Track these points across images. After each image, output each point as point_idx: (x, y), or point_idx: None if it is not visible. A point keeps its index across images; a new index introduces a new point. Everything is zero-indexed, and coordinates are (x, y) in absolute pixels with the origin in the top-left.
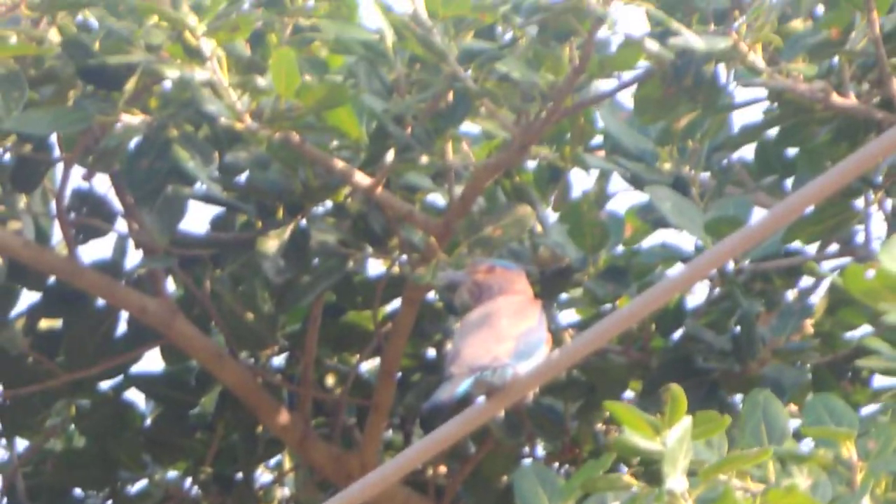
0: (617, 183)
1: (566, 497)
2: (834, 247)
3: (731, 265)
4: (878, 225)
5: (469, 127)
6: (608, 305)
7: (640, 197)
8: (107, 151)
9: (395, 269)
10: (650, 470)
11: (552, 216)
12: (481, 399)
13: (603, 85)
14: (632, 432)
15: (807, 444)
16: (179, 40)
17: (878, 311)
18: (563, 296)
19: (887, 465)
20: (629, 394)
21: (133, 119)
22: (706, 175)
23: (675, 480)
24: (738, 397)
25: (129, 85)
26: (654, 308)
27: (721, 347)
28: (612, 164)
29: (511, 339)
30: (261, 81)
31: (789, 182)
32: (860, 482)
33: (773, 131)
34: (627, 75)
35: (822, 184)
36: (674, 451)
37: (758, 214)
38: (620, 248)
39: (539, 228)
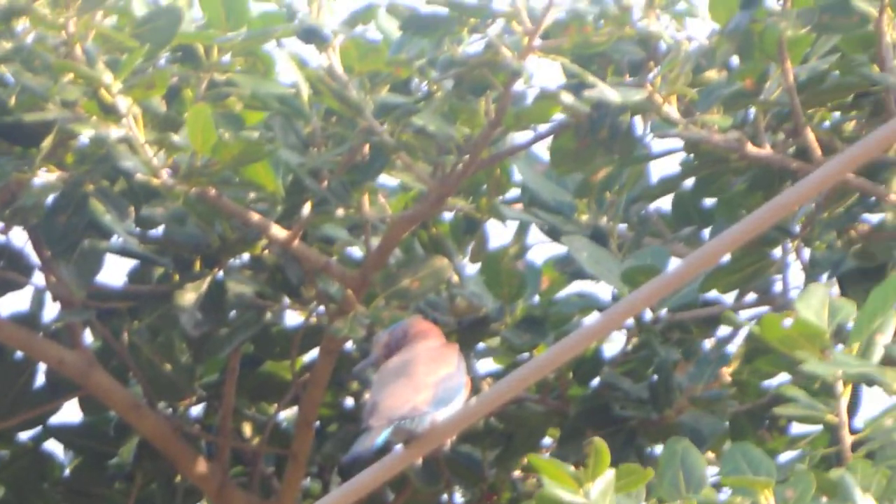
0: (535, 235)
1: None
2: (752, 296)
3: (648, 314)
4: (796, 274)
5: (386, 179)
6: (525, 354)
7: (558, 249)
8: (24, 207)
9: (313, 319)
10: None
11: (469, 267)
12: (399, 447)
13: (519, 137)
14: (554, 485)
15: (725, 493)
16: (95, 97)
17: (795, 359)
18: (481, 345)
19: None
20: (547, 441)
21: (50, 176)
22: (624, 226)
23: None
24: (657, 445)
25: (46, 142)
26: (570, 356)
27: (638, 395)
28: (530, 216)
29: (429, 386)
30: (176, 138)
31: (707, 232)
32: None
33: (690, 182)
34: (543, 128)
35: (737, 232)
36: None
37: (675, 264)
38: (537, 299)
39: (456, 279)
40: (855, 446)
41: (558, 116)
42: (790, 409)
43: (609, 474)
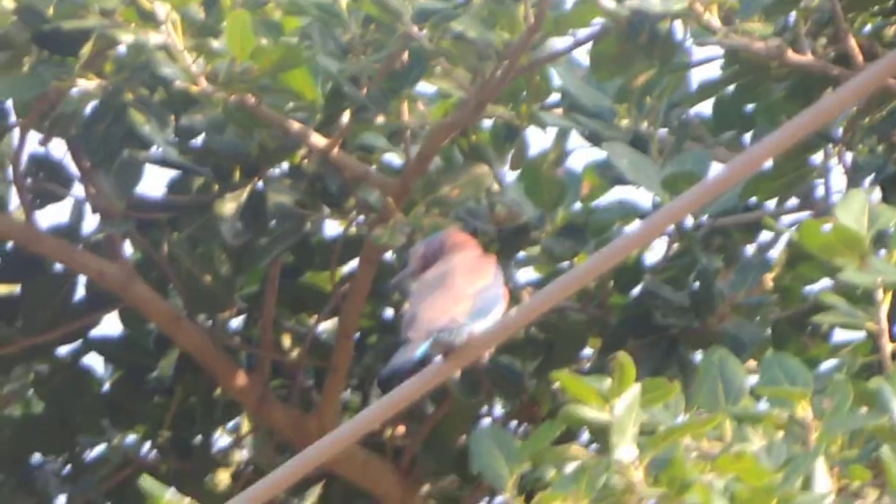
0: (575, 140)
1: (522, 459)
2: (794, 201)
3: (689, 221)
4: (838, 179)
5: (425, 87)
6: (566, 263)
7: (598, 154)
8: (63, 117)
9: (353, 229)
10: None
11: (509, 175)
12: (438, 359)
13: (558, 43)
14: (580, 403)
15: (764, 402)
16: (133, 4)
17: (835, 266)
18: (521, 254)
19: (842, 425)
20: (588, 351)
21: (89, 84)
22: (664, 131)
23: (624, 450)
24: (698, 354)
25: (84, 50)
26: (611, 264)
27: (680, 304)
28: (570, 121)
29: (467, 298)
30: (215, 44)
31: (748, 137)
32: (815, 442)
33: (730, 88)
34: (583, 33)
35: (778, 138)
36: (622, 420)
37: (716, 169)
38: (578, 206)
39: (496, 187)
40: None
41: (598, 21)
42: (830, 317)
43: (634, 389)
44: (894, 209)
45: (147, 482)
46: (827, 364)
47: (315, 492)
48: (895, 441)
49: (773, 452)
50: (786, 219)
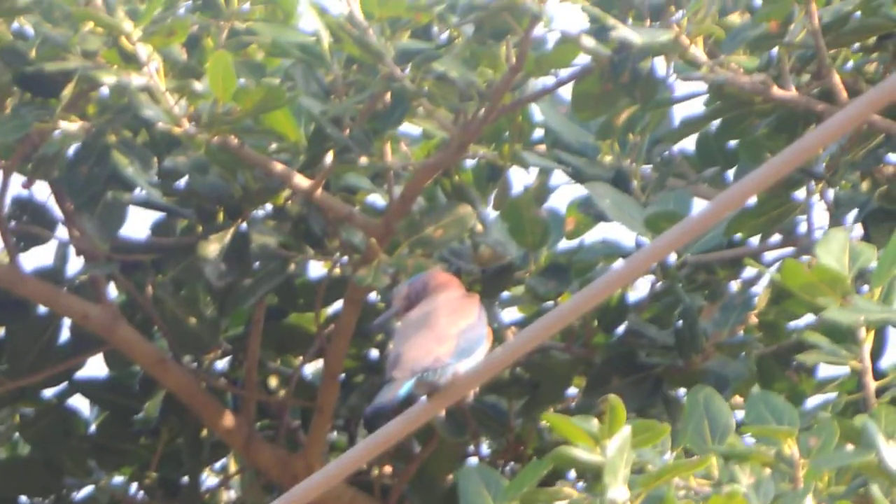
0: (558, 177)
1: (510, 497)
2: (777, 238)
3: (673, 258)
4: (820, 215)
5: (408, 127)
6: (550, 303)
7: (582, 190)
8: (45, 159)
9: (337, 270)
10: (592, 476)
11: (492, 215)
12: (423, 399)
13: (540, 82)
14: (571, 444)
15: (751, 438)
16: (115, 46)
17: (817, 306)
18: (505, 294)
19: (829, 462)
20: (573, 390)
21: (71, 126)
22: (648, 168)
23: (617, 490)
24: (682, 391)
25: (67, 91)
26: (594, 303)
27: (664, 342)
28: (552, 160)
29: (451, 338)
30: (197, 86)
31: (731, 173)
32: (803, 479)
33: (714, 123)
34: (565, 72)
35: (761, 175)
36: (614, 461)
37: (700, 207)
38: (562, 245)
39: (479, 227)
40: (880, 392)
41: (580, 61)
42: (813, 356)
43: (626, 430)
44: (874, 248)
45: None
46: (814, 399)
47: None
48: (881, 477)
49: (761, 490)
50: (769, 255)
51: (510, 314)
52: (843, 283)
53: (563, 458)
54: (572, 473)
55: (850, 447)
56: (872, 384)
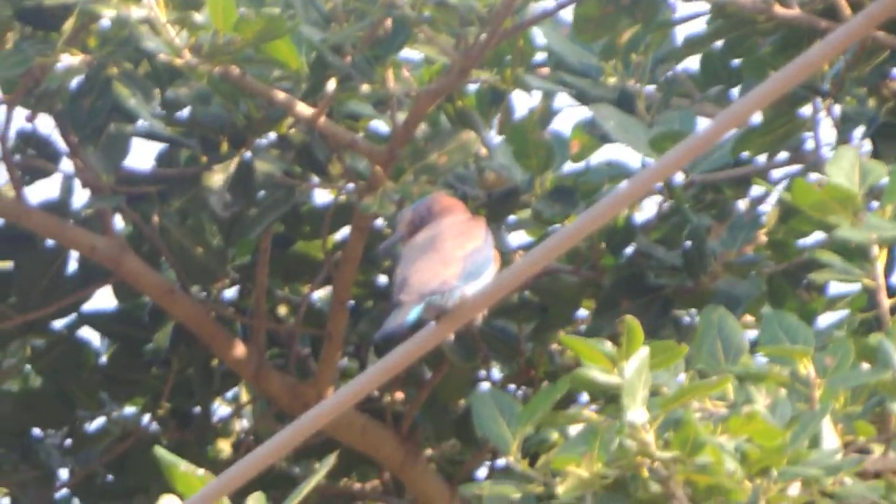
0: (563, 100)
1: (524, 422)
2: (784, 155)
3: (681, 179)
4: (827, 132)
5: (410, 53)
6: (557, 226)
7: (587, 112)
8: (48, 92)
9: (342, 197)
10: (606, 399)
11: (496, 139)
12: (432, 323)
13: (541, 5)
14: (589, 366)
15: (764, 358)
16: None
17: (828, 224)
18: (511, 218)
19: (845, 382)
20: (583, 312)
21: (73, 59)
22: (652, 88)
23: (636, 413)
24: (693, 313)
25: (67, 25)
26: (600, 224)
27: (672, 263)
28: (556, 82)
29: (458, 260)
30: (198, 17)
31: (736, 92)
32: (819, 399)
33: (718, 43)
34: None
35: (765, 90)
36: (632, 383)
37: (703, 125)
38: (567, 168)
39: (484, 152)
40: (894, 309)
41: None
42: (825, 275)
43: (643, 352)
44: (884, 165)
45: (161, 453)
46: (825, 318)
47: (329, 462)
48: None
49: (777, 411)
50: (776, 173)
51: (518, 238)
52: (853, 201)
53: (580, 381)
54: (584, 397)
55: (865, 366)
56: (886, 302)
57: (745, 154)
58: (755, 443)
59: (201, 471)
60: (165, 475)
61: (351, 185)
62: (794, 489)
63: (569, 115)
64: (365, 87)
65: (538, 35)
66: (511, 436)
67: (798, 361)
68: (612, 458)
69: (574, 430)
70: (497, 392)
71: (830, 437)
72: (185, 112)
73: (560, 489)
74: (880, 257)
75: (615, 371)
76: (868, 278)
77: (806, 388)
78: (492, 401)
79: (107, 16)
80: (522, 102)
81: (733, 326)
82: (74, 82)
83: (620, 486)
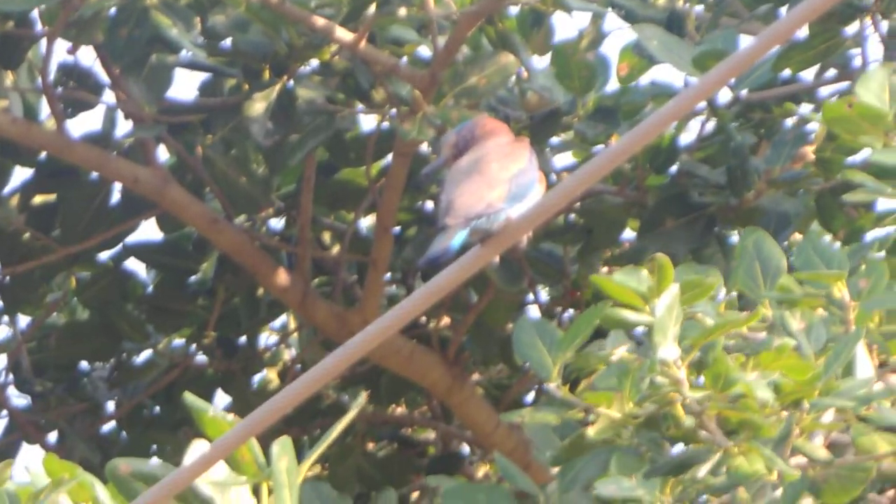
0: (612, 21)
1: (564, 349)
2: (832, 72)
3: (727, 98)
4: (875, 49)
5: None
6: (600, 146)
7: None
8: (87, 22)
9: (386, 123)
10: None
11: (538, 61)
12: (477, 246)
13: None
14: (620, 305)
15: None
16: None
17: (851, 147)
18: (555, 140)
19: (879, 304)
20: (629, 233)
21: None
22: (701, 8)
23: (667, 349)
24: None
25: None
26: (644, 143)
27: (716, 181)
28: (602, 4)
29: (503, 182)
30: None
31: (784, 11)
32: (854, 322)
33: None
34: None
35: (806, 8)
36: (663, 320)
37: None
38: (615, 86)
39: (525, 74)
40: None
41: None
42: (859, 195)
43: (674, 289)
44: None
45: (190, 398)
46: (873, 233)
47: (361, 399)
48: None
49: (813, 335)
50: (825, 90)
51: (562, 160)
52: (884, 120)
53: (612, 320)
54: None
55: None
56: None
57: (790, 72)
58: (787, 376)
59: (231, 416)
60: (194, 420)
61: (394, 111)
62: (829, 416)
63: (619, 36)
64: (402, 11)
65: None
66: (551, 363)
67: (832, 285)
68: (644, 395)
69: (613, 362)
70: (538, 320)
71: (864, 363)
72: (227, 42)
73: (591, 431)
74: None
75: (647, 309)
76: None
77: (841, 311)
78: (532, 328)
79: None
80: (572, 25)
81: (771, 248)
82: (112, 11)
83: (653, 424)
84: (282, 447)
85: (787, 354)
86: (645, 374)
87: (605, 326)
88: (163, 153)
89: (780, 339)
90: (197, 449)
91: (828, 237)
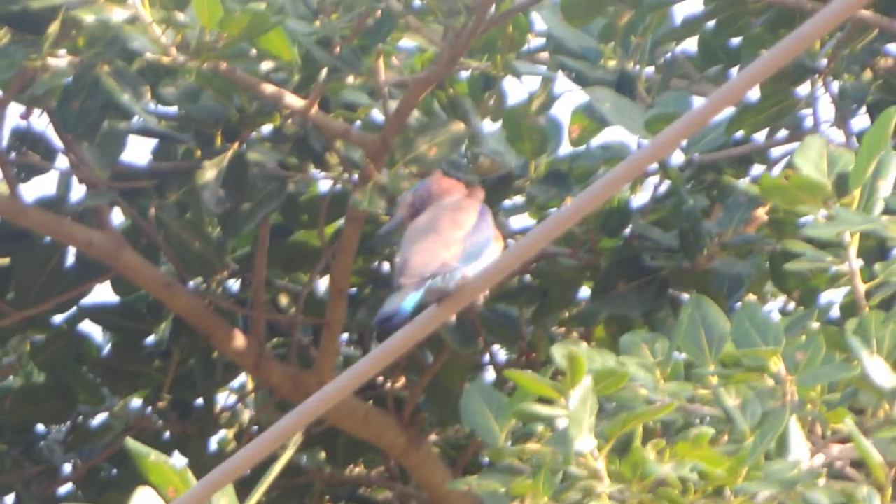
0: (564, 84)
1: (510, 415)
2: (784, 133)
3: (680, 160)
4: (827, 109)
5: (404, 42)
6: (553, 210)
7: (587, 96)
8: (36, 95)
9: (339, 186)
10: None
11: (489, 125)
12: (433, 306)
13: None
14: (531, 400)
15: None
16: None
17: (798, 213)
18: (507, 203)
19: (815, 379)
20: (586, 291)
21: (60, 62)
22: (652, 70)
23: (582, 441)
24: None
25: (52, 29)
26: (596, 205)
27: (669, 244)
28: (555, 67)
29: (458, 242)
30: (182, 16)
31: (734, 72)
32: (795, 393)
33: (712, 23)
34: None
35: (756, 69)
36: (577, 413)
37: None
38: (567, 148)
39: (476, 139)
40: (870, 294)
41: None
42: (800, 264)
43: (586, 381)
44: (851, 151)
45: (132, 444)
46: (827, 295)
47: (296, 440)
48: (868, 390)
49: (747, 411)
50: (777, 151)
51: (520, 221)
52: (822, 191)
53: (525, 415)
54: None
55: (838, 357)
56: (861, 287)
57: (742, 134)
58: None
59: (171, 460)
60: (136, 466)
61: (346, 176)
62: (763, 496)
63: (569, 99)
64: (350, 79)
65: (538, 20)
66: (498, 428)
67: (768, 359)
68: (560, 488)
69: (561, 423)
70: (484, 386)
71: (797, 439)
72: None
73: None
74: (853, 243)
75: (561, 401)
76: (841, 265)
77: (778, 385)
78: (479, 394)
79: (87, 22)
80: (523, 89)
81: (716, 315)
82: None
83: None
84: (228, 498)
85: (702, 447)
86: (560, 466)
87: (520, 420)
88: (117, 216)
89: (697, 430)
90: (141, 496)
91: (765, 307)
